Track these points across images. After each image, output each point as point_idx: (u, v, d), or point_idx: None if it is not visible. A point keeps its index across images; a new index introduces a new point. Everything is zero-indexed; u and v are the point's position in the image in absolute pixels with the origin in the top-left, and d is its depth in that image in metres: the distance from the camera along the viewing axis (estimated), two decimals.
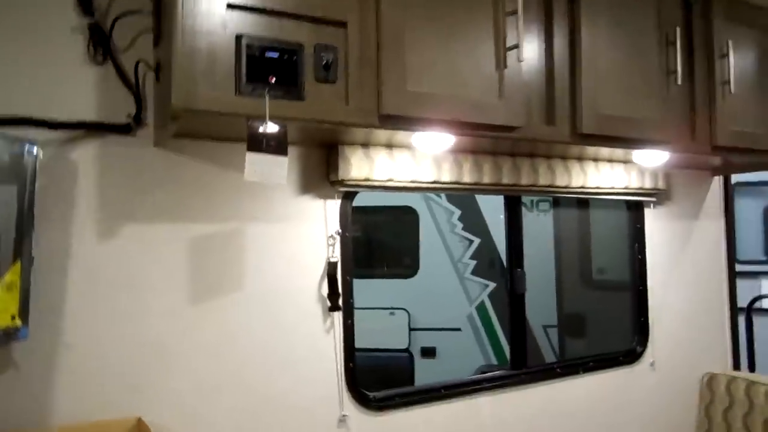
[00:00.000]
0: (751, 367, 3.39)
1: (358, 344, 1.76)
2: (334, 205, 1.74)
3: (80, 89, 1.44)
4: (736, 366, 2.63)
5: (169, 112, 1.23)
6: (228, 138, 1.56)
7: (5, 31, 1.38)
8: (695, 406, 2.43)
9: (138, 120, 1.48)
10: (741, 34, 2.10)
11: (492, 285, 4.95)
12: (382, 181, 1.72)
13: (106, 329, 1.43)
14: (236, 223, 1.60)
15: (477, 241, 5.03)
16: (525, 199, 2.19)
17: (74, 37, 1.44)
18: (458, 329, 4.94)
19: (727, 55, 2.01)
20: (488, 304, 4.98)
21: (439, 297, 4.95)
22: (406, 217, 5.04)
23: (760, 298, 4.01)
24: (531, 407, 2.03)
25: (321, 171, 1.72)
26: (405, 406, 1.79)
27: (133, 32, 1.49)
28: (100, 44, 1.45)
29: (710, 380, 2.41)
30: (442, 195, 4.97)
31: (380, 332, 4.74)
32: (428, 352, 4.80)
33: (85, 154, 1.44)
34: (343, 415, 1.69)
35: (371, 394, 1.75)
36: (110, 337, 1.44)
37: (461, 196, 4.91)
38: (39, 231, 1.32)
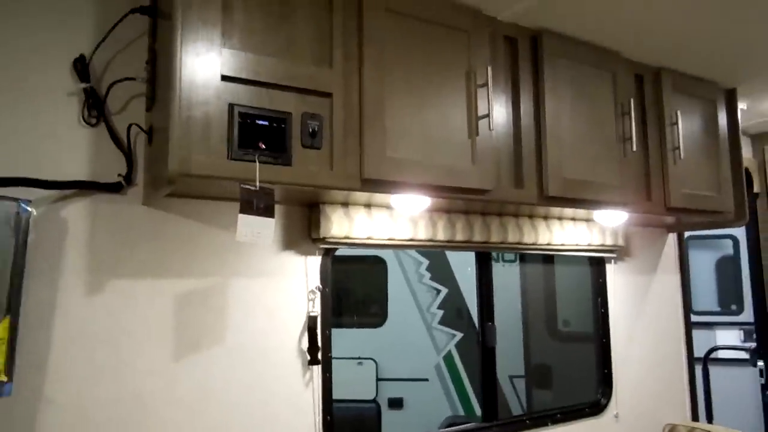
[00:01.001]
0: (709, 417, 3.52)
1: None
2: (314, 261, 1.80)
3: (74, 149, 1.50)
4: (695, 416, 2.74)
5: (165, 177, 1.29)
6: (214, 197, 1.63)
7: (3, 93, 1.43)
8: None
9: (128, 180, 1.54)
10: (687, 103, 2.31)
11: (459, 335, 5.01)
12: (361, 238, 1.80)
13: (89, 385, 1.45)
14: (219, 279, 1.65)
15: (444, 290, 5.11)
16: None
17: (70, 99, 1.50)
18: (426, 380, 4.96)
19: (676, 123, 2.20)
20: (455, 354, 5.02)
21: (407, 347, 4.98)
22: (375, 266, 5.10)
23: (715, 349, 4.18)
24: None
25: (303, 228, 1.79)
26: None
27: (126, 96, 1.57)
28: (95, 107, 1.52)
29: (671, 431, 2.51)
30: (408, 248, 5.05)
31: (348, 382, 4.71)
32: (395, 403, 4.79)
33: (76, 211, 1.48)
34: None
35: None
36: (92, 394, 1.45)
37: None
38: (27, 285, 1.35)
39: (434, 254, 5.10)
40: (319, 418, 1.74)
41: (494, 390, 2.19)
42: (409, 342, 4.99)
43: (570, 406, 2.36)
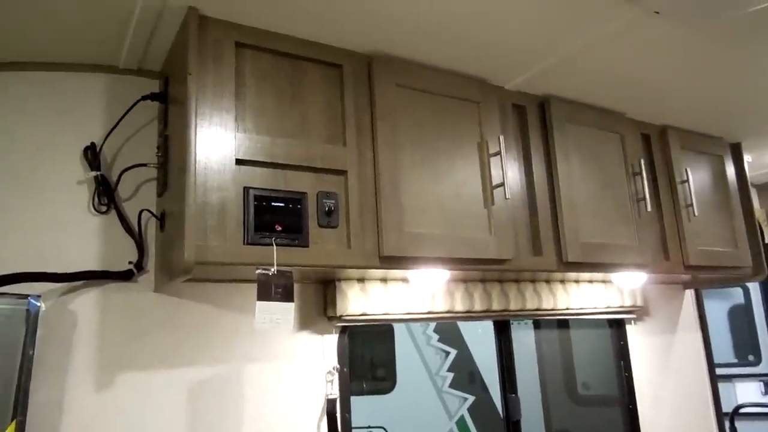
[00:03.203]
0: None
1: None
2: (331, 340, 1.74)
3: (84, 238, 1.46)
4: None
5: (180, 265, 1.25)
6: (228, 279, 1.59)
7: (14, 184, 1.41)
8: None
9: (139, 267, 1.50)
10: (695, 160, 2.30)
11: (471, 398, 4.86)
12: (378, 314, 1.74)
13: None
14: (234, 365, 1.58)
15: (454, 352, 4.99)
16: None
17: (80, 188, 1.48)
18: None
19: (687, 180, 2.19)
20: (468, 419, 4.86)
21: (417, 412, 4.81)
22: (382, 330, 5.00)
23: (742, 406, 4.05)
24: None
25: (318, 307, 1.74)
26: None
27: (137, 182, 1.55)
28: (105, 194, 1.49)
29: None
30: (426, 321, 4.98)
31: None
32: None
33: (86, 302, 1.43)
34: None
35: None
36: None
37: None
38: (35, 384, 1.29)
39: None
40: None
41: None
42: (419, 407, 4.82)
43: None
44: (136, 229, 1.51)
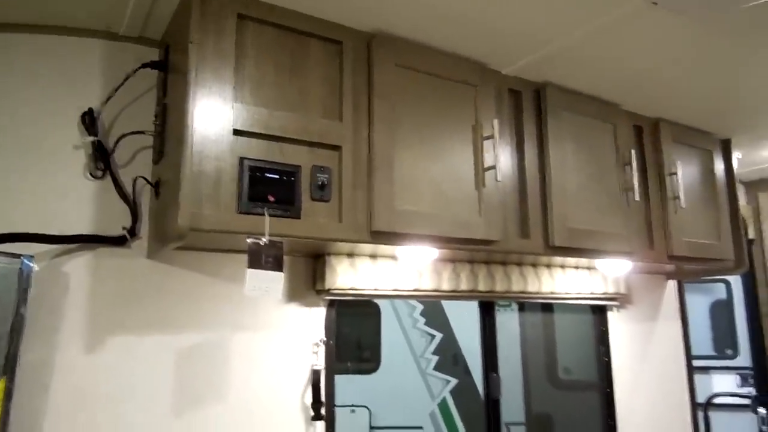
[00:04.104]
0: None
1: None
2: (319, 313, 1.77)
3: (79, 202, 1.48)
4: None
5: (174, 231, 1.27)
6: (219, 249, 1.61)
7: (12, 147, 1.42)
8: None
9: (133, 232, 1.51)
10: (685, 153, 2.34)
11: (454, 381, 4.93)
12: (366, 290, 1.77)
13: None
14: (223, 333, 1.61)
15: (439, 336, 5.05)
16: None
17: (76, 153, 1.49)
18: (420, 428, 4.84)
19: (676, 173, 2.22)
20: (450, 401, 4.93)
21: (400, 393, 4.87)
22: (368, 311, 5.05)
23: (716, 396, 4.14)
24: None
25: (307, 280, 1.77)
26: None
27: (133, 149, 1.56)
28: (101, 160, 1.50)
29: None
30: (413, 298, 5.04)
31: (341, 431, 4.58)
32: None
33: (79, 265, 1.45)
34: None
35: None
36: None
37: None
38: (25, 343, 1.31)
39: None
40: None
41: None
42: (403, 388, 4.89)
43: None
44: (131, 195, 1.53)
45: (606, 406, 2.44)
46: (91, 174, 1.50)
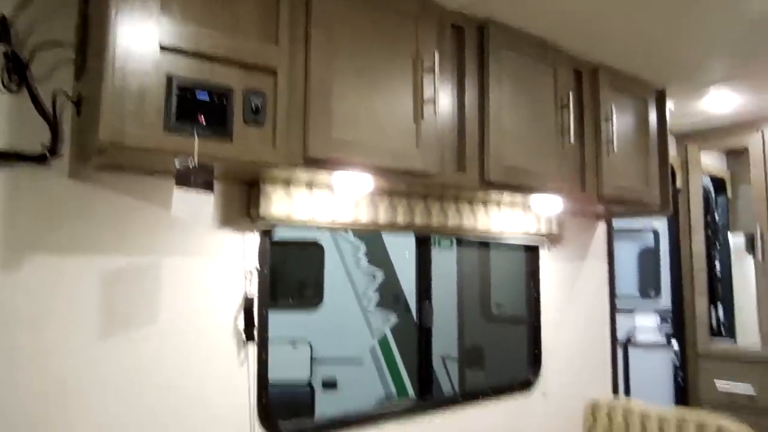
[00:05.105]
0: (627, 394, 3.73)
1: None
2: (253, 241, 1.76)
3: None
4: (615, 393, 2.89)
5: (94, 147, 1.22)
6: (148, 172, 1.56)
7: None
8: (581, 430, 2.64)
9: (53, 150, 1.44)
10: (621, 101, 2.40)
11: (394, 319, 5.08)
12: (302, 219, 1.77)
13: (7, 369, 1.36)
14: (152, 257, 1.58)
15: (381, 275, 5.15)
16: None
17: None
18: (360, 362, 5.00)
19: (611, 119, 2.28)
20: (390, 338, 5.09)
21: (342, 330, 5.00)
22: (312, 251, 5.07)
23: (634, 331, 4.43)
24: None
25: (241, 206, 1.74)
26: None
27: (53, 63, 1.47)
28: (16, 72, 1.41)
29: (593, 407, 2.64)
30: (349, 231, 5.07)
31: (282, 364, 4.68)
32: (329, 385, 4.81)
33: None
34: None
35: (282, 426, 1.76)
36: (12, 378, 1.36)
37: (368, 233, 5.05)
38: None
39: (371, 239, 5.12)
40: (253, 399, 1.71)
41: (429, 369, 2.23)
42: (344, 325, 5.01)
43: (501, 384, 2.44)
44: (51, 112, 1.45)
45: (533, 338, 2.57)
46: (4, 86, 1.40)
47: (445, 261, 4.28)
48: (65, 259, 1.46)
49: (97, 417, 1.46)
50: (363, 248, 5.19)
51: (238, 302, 1.72)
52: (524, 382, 2.49)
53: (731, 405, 3.15)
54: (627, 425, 2.50)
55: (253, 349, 1.73)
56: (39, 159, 1.42)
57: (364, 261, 5.20)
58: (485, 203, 2.24)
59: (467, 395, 2.29)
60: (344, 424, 1.91)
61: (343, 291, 5.08)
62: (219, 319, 1.68)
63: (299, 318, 4.98)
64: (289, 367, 4.75)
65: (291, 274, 5.27)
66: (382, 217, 1.94)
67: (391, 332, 5.11)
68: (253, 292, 1.74)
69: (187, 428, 1.59)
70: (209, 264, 1.68)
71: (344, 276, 5.11)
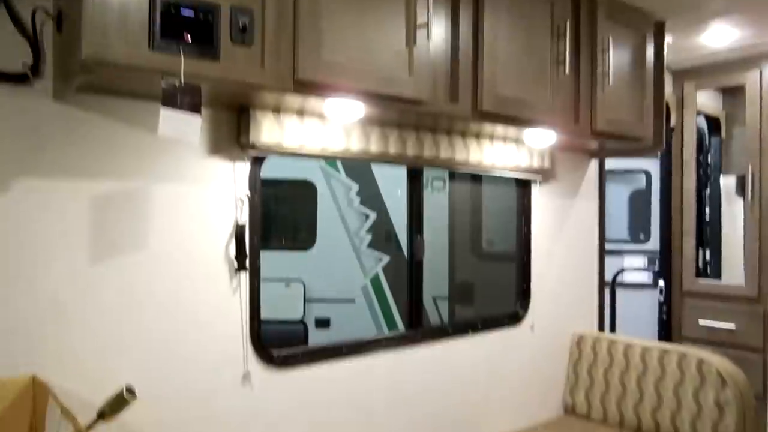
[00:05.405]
0: (612, 330, 3.83)
1: None
2: (243, 168, 1.75)
3: None
4: (601, 328, 2.96)
5: (78, 65, 1.19)
6: (134, 95, 1.52)
7: None
8: (566, 362, 2.72)
9: (35, 70, 1.40)
10: (619, 32, 2.34)
11: (386, 258, 5.13)
12: (292, 147, 1.75)
13: (2, 292, 1.37)
14: (141, 182, 1.57)
15: (373, 215, 5.17)
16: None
17: None
18: (352, 301, 5.08)
19: (607, 50, 2.24)
20: (382, 277, 5.15)
21: (334, 269, 5.05)
22: (305, 190, 5.07)
23: (622, 271, 4.51)
24: (424, 364, 2.18)
25: (231, 133, 1.72)
26: (307, 363, 1.86)
27: None
28: None
29: (579, 340, 2.71)
30: (341, 169, 5.05)
31: (276, 303, 4.76)
32: (322, 323, 4.90)
33: None
34: (248, 372, 1.73)
35: (275, 352, 1.80)
36: (7, 300, 1.37)
37: (360, 171, 5.03)
38: None
39: (364, 179, 5.10)
40: (246, 326, 1.74)
41: (419, 302, 2.26)
42: (336, 265, 5.06)
43: (490, 317, 2.49)
44: (30, 29, 1.39)
45: (522, 273, 2.60)
46: None
47: (437, 203, 4.30)
48: (53, 183, 1.44)
49: (95, 339, 1.49)
50: (355, 188, 5.18)
51: (229, 231, 1.72)
52: (513, 316, 2.54)
53: (712, 340, 3.25)
54: (611, 357, 2.58)
55: (245, 277, 1.75)
56: (20, 79, 1.38)
57: (356, 201, 5.20)
58: (478, 136, 2.22)
59: (457, 327, 2.34)
60: (335, 352, 1.95)
61: (336, 231, 5.10)
62: (210, 247, 1.69)
63: (293, 258, 5.02)
64: (283, 306, 4.83)
65: (284, 214, 5.28)
66: (374, 147, 1.93)
67: (383, 272, 5.17)
68: (244, 220, 1.73)
69: (182, 351, 1.62)
70: (199, 191, 1.67)
71: (337, 216, 5.13)
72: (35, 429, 1.23)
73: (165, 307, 1.60)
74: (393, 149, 1.97)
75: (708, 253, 3.76)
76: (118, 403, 0.98)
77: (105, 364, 1.50)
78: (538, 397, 2.60)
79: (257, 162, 1.77)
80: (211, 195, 1.69)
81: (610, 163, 3.15)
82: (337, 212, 5.13)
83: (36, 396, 1.29)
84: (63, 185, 1.45)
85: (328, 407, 1.91)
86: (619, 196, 5.42)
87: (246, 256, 1.71)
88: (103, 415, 0.98)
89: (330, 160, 2.12)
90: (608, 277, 3.41)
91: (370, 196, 5.14)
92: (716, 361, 2.30)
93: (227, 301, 1.71)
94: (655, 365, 2.43)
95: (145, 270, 1.57)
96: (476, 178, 3.19)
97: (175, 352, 1.61)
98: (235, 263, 1.71)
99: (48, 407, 1.22)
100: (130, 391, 0.99)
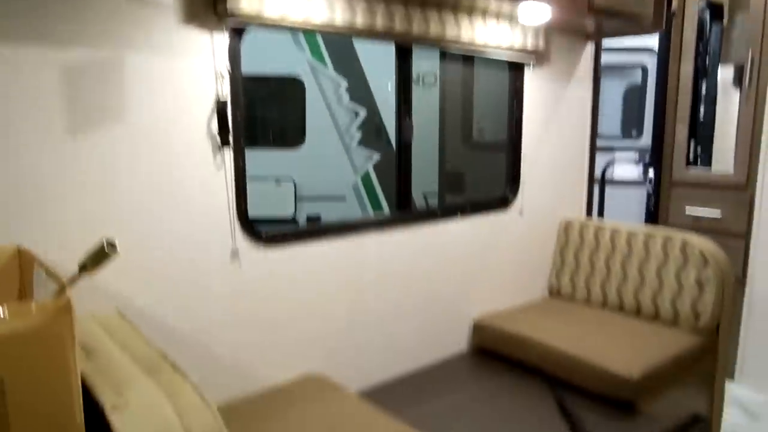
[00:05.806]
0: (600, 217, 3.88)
1: None
2: (222, 41, 1.66)
3: None
4: (589, 215, 2.99)
5: None
6: None
7: None
8: (553, 247, 2.76)
9: None
10: None
11: (377, 155, 5.09)
12: (273, 18, 1.65)
13: None
14: (115, 51, 1.49)
15: (364, 111, 5.06)
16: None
17: None
18: (343, 198, 5.09)
19: None
20: (373, 174, 5.14)
21: (325, 167, 5.02)
22: (293, 87, 4.93)
23: (613, 162, 4.51)
24: (413, 245, 2.20)
25: (207, 1, 1.61)
26: (295, 241, 1.87)
27: None
28: None
29: (567, 225, 2.74)
30: (329, 63, 4.89)
31: (267, 201, 4.77)
32: (313, 220, 4.93)
33: None
34: (236, 249, 1.74)
35: (263, 231, 1.80)
36: None
37: (348, 65, 4.88)
38: None
39: (353, 74, 4.96)
40: (232, 202, 1.72)
41: (408, 186, 2.25)
42: (327, 162, 5.02)
43: (480, 200, 2.49)
44: None
45: (513, 158, 2.58)
46: None
47: (427, 96, 4.19)
48: (20, 51, 1.36)
49: (75, 213, 1.47)
50: (344, 84, 5.04)
51: (211, 106, 1.66)
52: (502, 200, 2.54)
53: (696, 227, 3.29)
54: (597, 242, 2.62)
55: (229, 154, 1.71)
56: None
57: (345, 98, 5.08)
58: (470, 12, 2.11)
59: (446, 210, 2.34)
60: (323, 232, 1.95)
61: (326, 129, 5.02)
62: (192, 122, 1.63)
63: (282, 157, 4.97)
64: (273, 203, 4.84)
65: (272, 112, 5.17)
66: (360, 20, 1.83)
67: (374, 169, 5.15)
68: (225, 95, 1.67)
69: (167, 226, 1.62)
70: (176, 63, 1.59)
71: (326, 113, 5.03)
72: (24, 294, 1.24)
73: (147, 181, 1.57)
74: (380, 24, 1.87)
75: (699, 146, 3.74)
76: (99, 255, 0.97)
77: (90, 237, 1.48)
78: (525, 280, 2.67)
79: (237, 34, 1.68)
80: (189, 67, 1.61)
81: (606, 57, 3.03)
82: (326, 109, 5.02)
83: (22, 264, 1.29)
84: (30, 53, 1.37)
85: (317, 285, 1.94)
86: (613, 92, 5.32)
87: (229, 131, 1.67)
88: (85, 267, 0.97)
89: (311, 32, 2.02)
90: (598, 171, 3.40)
91: (360, 93, 5.02)
92: (699, 242, 2.34)
93: (213, 177, 1.68)
94: (640, 248, 2.48)
95: (126, 144, 1.52)
96: (468, 62, 3.09)
97: (162, 227, 1.60)
98: (218, 138, 1.66)
99: (34, 274, 1.22)
100: (111, 244, 0.98)
